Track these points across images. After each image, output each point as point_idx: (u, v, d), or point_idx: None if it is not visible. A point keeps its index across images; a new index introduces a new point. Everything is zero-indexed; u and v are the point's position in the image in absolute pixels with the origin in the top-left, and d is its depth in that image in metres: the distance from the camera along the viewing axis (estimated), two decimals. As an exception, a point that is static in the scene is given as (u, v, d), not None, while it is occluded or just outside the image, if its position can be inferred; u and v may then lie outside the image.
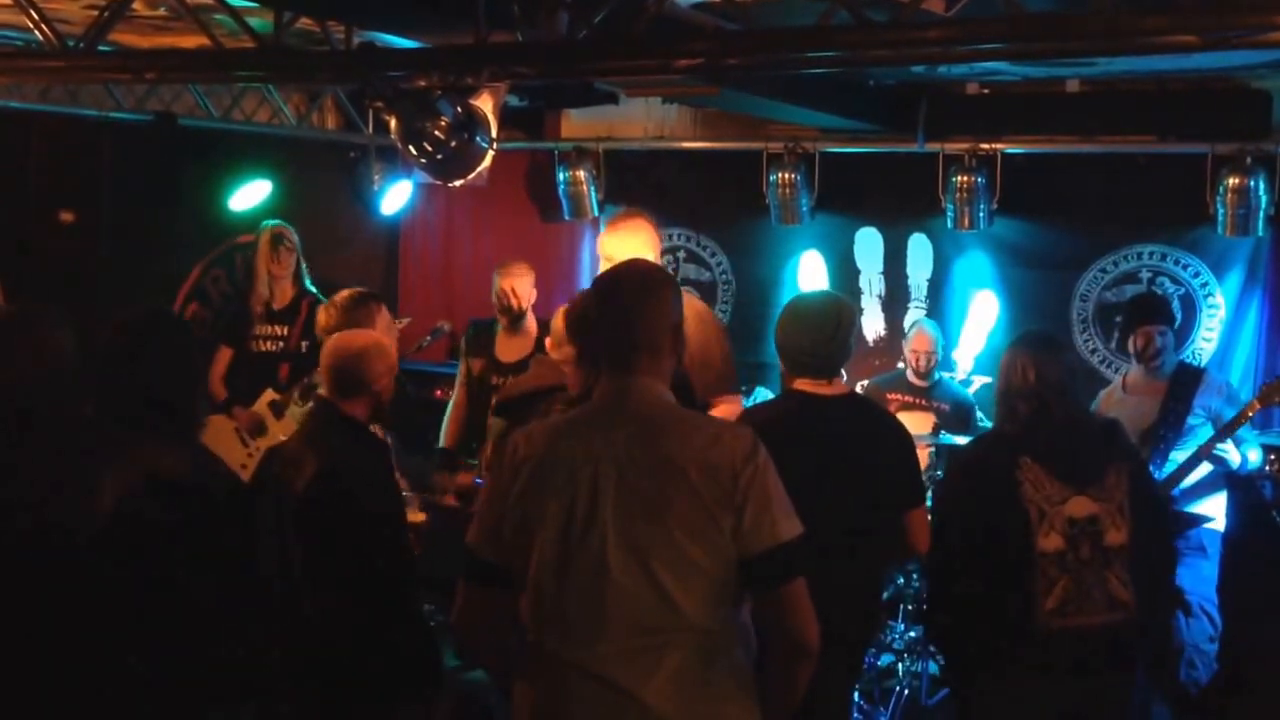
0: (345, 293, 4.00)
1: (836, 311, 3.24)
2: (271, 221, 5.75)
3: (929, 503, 3.64)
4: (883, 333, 6.61)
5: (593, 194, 6.72)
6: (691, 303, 4.09)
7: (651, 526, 2.24)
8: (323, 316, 3.97)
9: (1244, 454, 4.51)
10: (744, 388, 5.22)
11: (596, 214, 6.83)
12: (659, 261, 4.13)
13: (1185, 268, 5.94)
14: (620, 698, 2.24)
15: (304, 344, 5.47)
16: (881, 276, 6.59)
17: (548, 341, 3.74)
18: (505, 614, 2.38)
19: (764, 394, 5.98)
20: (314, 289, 5.68)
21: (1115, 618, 3.00)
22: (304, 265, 5.75)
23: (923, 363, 5.74)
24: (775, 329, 3.31)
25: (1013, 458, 3.03)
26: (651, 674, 2.24)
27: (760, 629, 2.37)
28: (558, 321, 3.62)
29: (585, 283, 7.06)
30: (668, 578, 2.23)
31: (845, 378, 3.43)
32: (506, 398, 3.80)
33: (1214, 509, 4.62)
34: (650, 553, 2.23)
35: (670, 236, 6.73)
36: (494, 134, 4.27)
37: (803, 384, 3.26)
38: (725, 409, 3.80)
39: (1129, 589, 3.01)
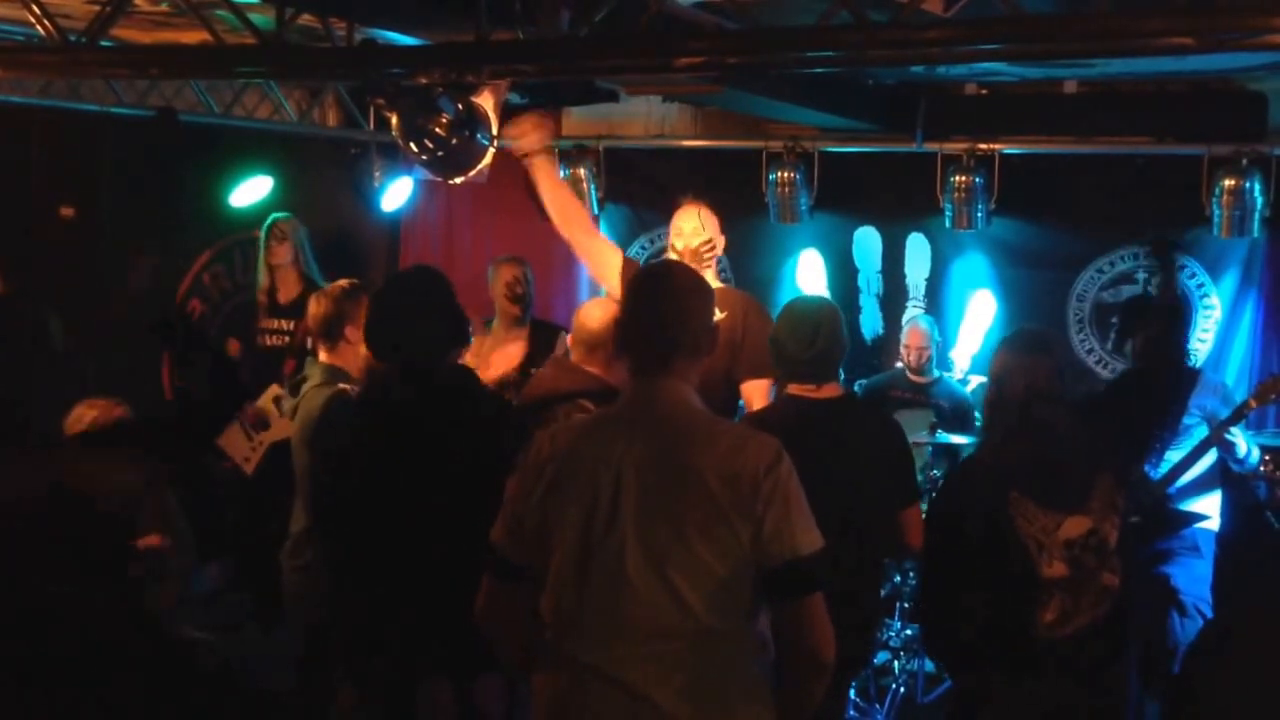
0: (338, 283, 4.03)
1: (817, 319, 3.29)
2: (275, 215, 5.77)
3: (924, 501, 3.66)
4: (881, 332, 6.63)
5: (593, 192, 6.73)
6: (743, 294, 4.24)
7: (670, 533, 2.24)
8: (313, 306, 4.00)
9: (1250, 445, 4.53)
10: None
11: (596, 212, 6.83)
12: (719, 249, 4.27)
13: (1181, 269, 5.96)
14: (636, 701, 2.25)
15: (309, 339, 5.47)
16: (880, 275, 6.61)
17: (568, 339, 3.71)
18: (525, 610, 2.39)
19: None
20: (323, 284, 5.68)
21: (1103, 610, 3.01)
22: (307, 259, 5.74)
23: (916, 358, 5.77)
24: (769, 335, 3.38)
25: (1001, 495, 3.01)
26: (667, 678, 2.25)
27: (777, 640, 2.36)
28: (591, 324, 3.58)
29: (584, 280, 7.06)
30: (684, 584, 2.23)
31: (842, 378, 3.46)
32: (525, 402, 3.72)
33: (1209, 507, 4.65)
34: (667, 559, 2.24)
35: (669, 234, 6.73)
36: (495, 131, 4.28)
37: (794, 388, 3.34)
38: (751, 388, 3.93)
39: (1117, 573, 3.02)
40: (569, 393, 3.48)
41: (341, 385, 3.85)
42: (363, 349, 3.84)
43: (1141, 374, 4.70)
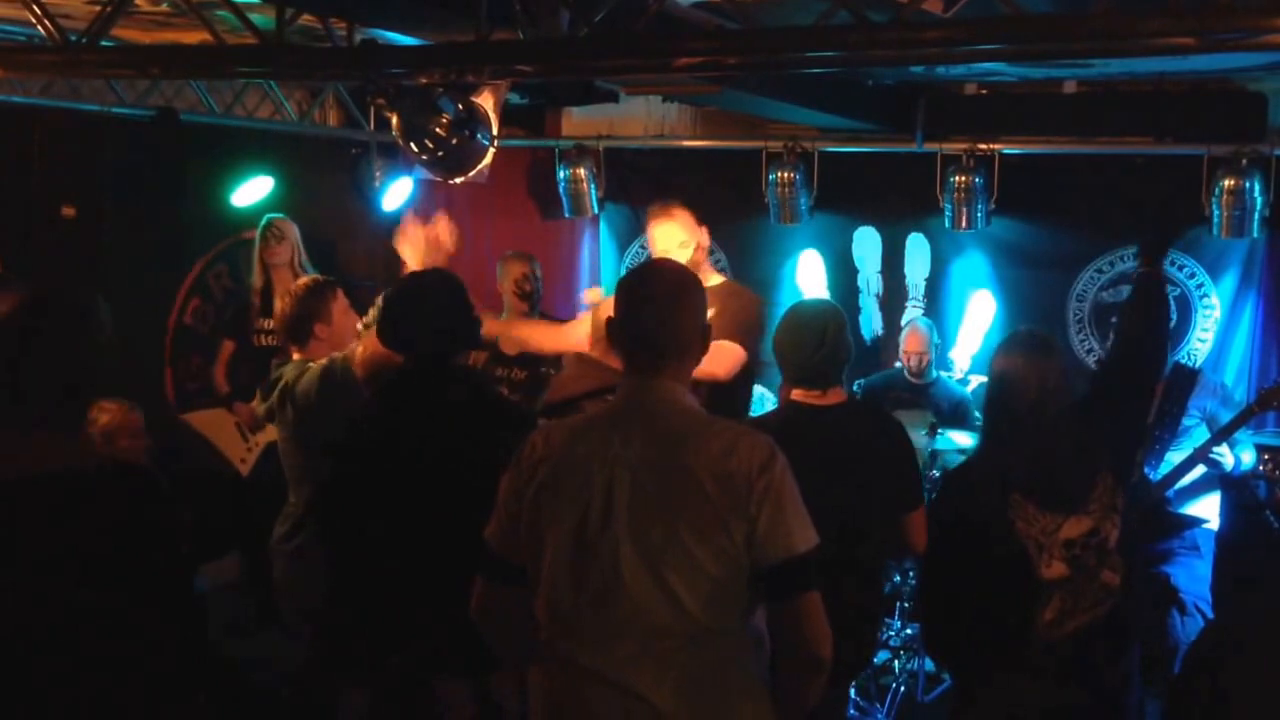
0: (302, 280, 4.02)
1: (822, 324, 3.25)
2: (270, 215, 5.78)
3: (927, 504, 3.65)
4: (880, 332, 6.64)
5: (593, 191, 6.74)
6: (734, 288, 4.14)
7: (664, 533, 2.23)
8: (279, 304, 3.99)
9: (1237, 455, 4.53)
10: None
11: (596, 211, 6.86)
12: (703, 252, 4.16)
13: (1181, 268, 5.97)
14: (632, 701, 2.24)
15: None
16: (879, 275, 6.62)
17: (589, 338, 3.69)
18: (521, 609, 2.38)
19: (761, 392, 6.01)
20: None
21: (1104, 609, 3.02)
22: (303, 259, 5.75)
23: (916, 363, 5.79)
24: (773, 339, 3.36)
25: (1002, 496, 3.00)
26: (663, 678, 2.24)
27: (774, 638, 2.36)
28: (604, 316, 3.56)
29: (585, 280, 7.09)
30: (679, 584, 2.22)
31: (844, 383, 3.44)
32: (552, 402, 3.67)
33: (1208, 509, 4.65)
34: (662, 559, 2.23)
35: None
36: (495, 131, 4.29)
37: (798, 394, 3.31)
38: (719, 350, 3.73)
39: (1118, 571, 3.02)
40: (597, 389, 3.47)
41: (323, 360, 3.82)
42: (342, 345, 3.81)
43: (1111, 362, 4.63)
